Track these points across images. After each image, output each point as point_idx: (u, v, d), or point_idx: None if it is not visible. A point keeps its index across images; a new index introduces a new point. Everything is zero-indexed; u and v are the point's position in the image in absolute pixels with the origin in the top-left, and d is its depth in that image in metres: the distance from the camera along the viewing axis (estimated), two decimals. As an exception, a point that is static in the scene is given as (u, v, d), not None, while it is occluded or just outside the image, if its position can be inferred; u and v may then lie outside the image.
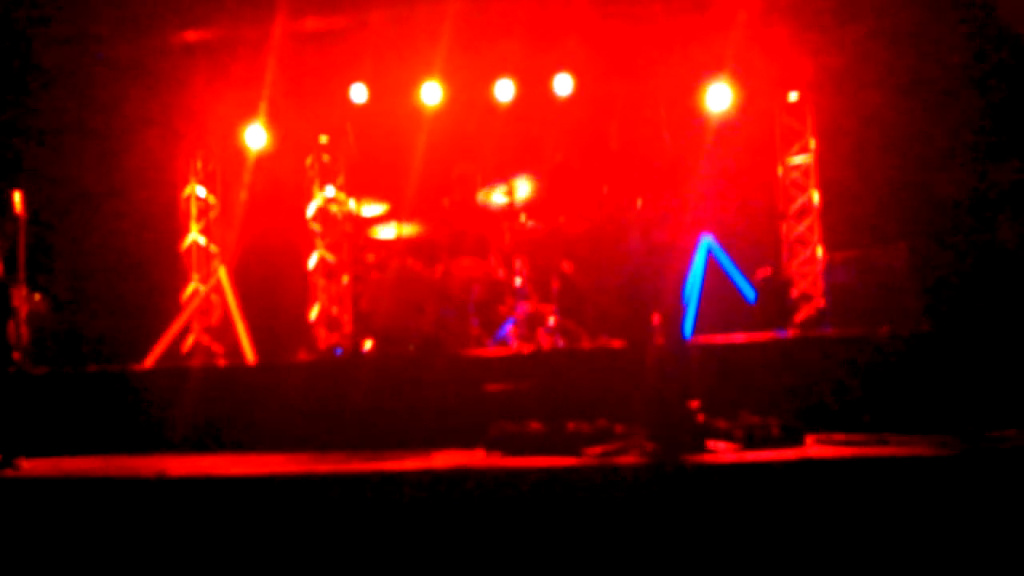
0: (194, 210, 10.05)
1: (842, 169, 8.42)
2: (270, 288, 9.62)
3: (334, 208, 9.27)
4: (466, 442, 5.96)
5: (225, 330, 9.31)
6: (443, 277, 8.03)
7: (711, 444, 5.35)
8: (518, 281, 8.14)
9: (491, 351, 7.62)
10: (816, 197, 8.76)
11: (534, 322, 7.91)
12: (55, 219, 9.08)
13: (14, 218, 7.86)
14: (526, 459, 5.38)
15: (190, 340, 9.46)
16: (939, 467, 4.51)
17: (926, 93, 7.85)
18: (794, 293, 8.41)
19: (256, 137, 9.56)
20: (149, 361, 8.69)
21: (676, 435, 5.29)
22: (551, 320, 7.88)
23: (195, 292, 9.70)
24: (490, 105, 9.09)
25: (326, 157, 10.04)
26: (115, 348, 8.72)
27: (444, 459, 5.61)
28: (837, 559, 4.38)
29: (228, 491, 5.15)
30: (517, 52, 8.77)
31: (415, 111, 9.14)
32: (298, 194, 9.97)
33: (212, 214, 10.15)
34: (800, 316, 8.14)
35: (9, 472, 5.93)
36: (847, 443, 5.34)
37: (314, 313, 9.71)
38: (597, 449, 5.43)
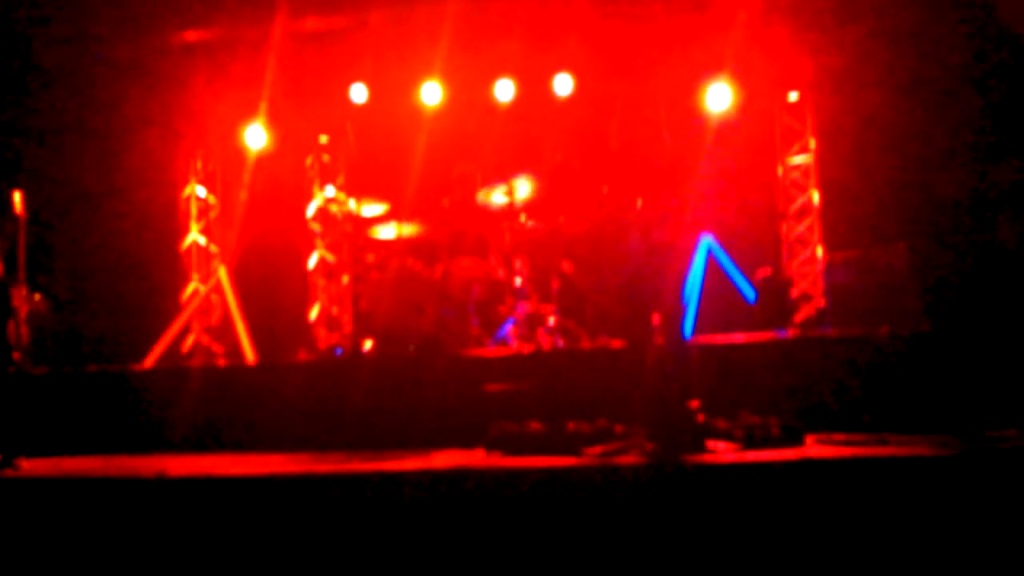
0: (194, 210, 10.05)
1: (842, 169, 8.42)
2: (270, 288, 9.62)
3: (334, 208, 9.27)
4: (466, 442, 5.96)
5: (225, 330, 9.30)
6: (443, 277, 8.03)
7: (711, 444, 5.35)
8: (518, 281, 8.14)
9: (491, 351, 7.62)
10: (816, 197, 8.76)
11: (534, 322, 7.91)
12: (55, 219, 9.08)
13: (14, 218, 7.85)
14: (526, 459, 5.38)
15: (190, 340, 9.45)
16: (939, 467, 4.51)
17: (926, 93, 7.85)
18: (794, 293, 8.41)
19: (256, 137, 9.56)
20: (149, 361, 8.69)
21: (676, 435, 5.29)
22: (551, 320, 7.88)
23: (195, 292, 9.70)
24: (490, 105, 9.09)
25: (326, 157, 10.04)
26: (115, 348, 8.72)
27: (444, 459, 5.61)
28: (837, 559, 4.38)
29: (228, 491, 5.15)
30: (517, 52, 8.77)
31: (415, 111, 9.14)
32: (298, 194, 9.97)
33: (212, 214, 10.15)
34: (800, 316, 8.14)
35: (9, 472, 5.93)
36: (847, 443, 5.34)
37: (314, 313, 9.71)
38: (597, 449, 5.43)
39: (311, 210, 9.92)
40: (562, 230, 8.05)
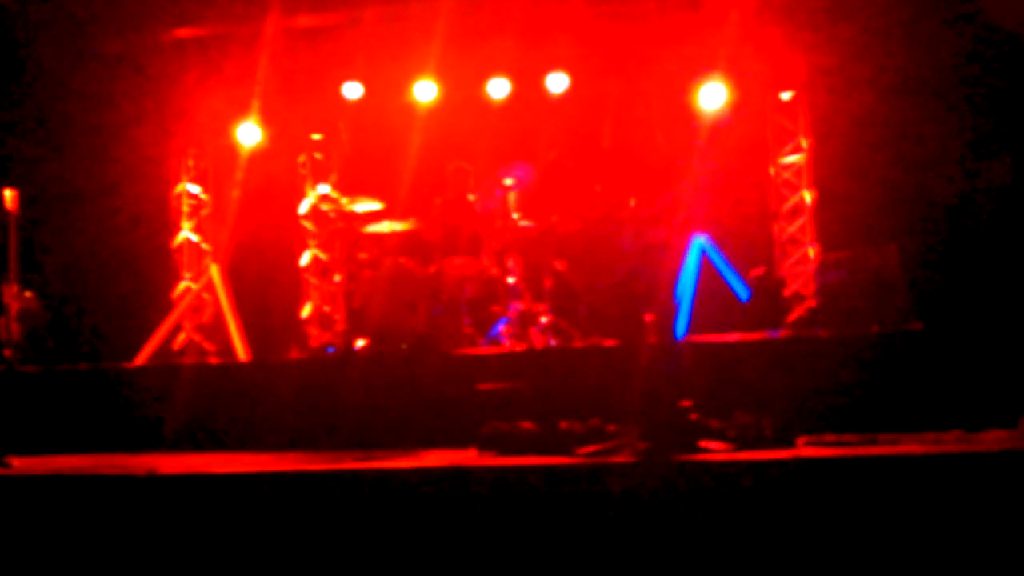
0: (186, 207, 10.02)
1: (834, 169, 8.43)
2: (262, 286, 9.61)
3: (327, 206, 9.25)
4: (458, 441, 5.95)
5: (217, 328, 9.28)
6: (436, 276, 8.02)
7: (703, 444, 5.35)
8: (511, 280, 8.14)
9: (484, 350, 7.62)
10: (808, 197, 8.77)
11: (527, 321, 7.91)
12: (46, 216, 9.05)
13: (5, 215, 7.84)
14: (518, 458, 5.38)
15: (181, 338, 9.43)
16: (930, 466, 4.52)
17: (918, 93, 7.87)
18: (786, 293, 8.42)
19: (249, 134, 9.54)
20: (140, 359, 8.67)
21: (668, 435, 5.29)
22: (544, 319, 7.88)
23: (186, 290, 9.67)
24: (483, 103, 9.08)
25: (319, 155, 10.02)
26: (107, 346, 8.71)
27: (436, 458, 5.60)
28: (829, 559, 4.39)
29: (219, 489, 5.14)
30: (511, 50, 8.76)
31: (408, 109, 9.12)
32: (291, 192, 9.95)
33: (204, 211, 10.12)
34: (792, 316, 8.15)
35: (0, 470, 5.91)
36: (838, 443, 5.35)
37: (306, 311, 9.69)
38: (589, 448, 5.42)
39: (304, 208, 9.90)
40: (555, 229, 8.04)
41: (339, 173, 9.82)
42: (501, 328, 7.91)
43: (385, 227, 8.48)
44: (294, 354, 8.56)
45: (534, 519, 4.71)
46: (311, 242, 9.89)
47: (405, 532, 4.81)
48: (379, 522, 4.86)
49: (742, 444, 5.35)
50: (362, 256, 8.43)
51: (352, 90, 9.20)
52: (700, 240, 8.14)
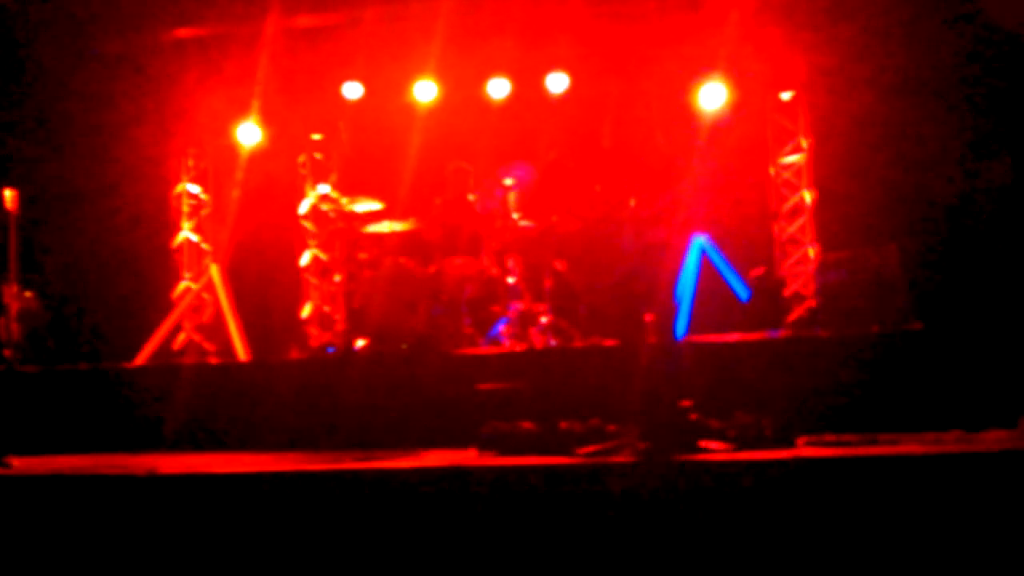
0: (186, 207, 10.01)
1: (835, 169, 8.43)
2: (262, 286, 9.61)
3: (327, 206, 9.25)
4: (458, 441, 5.95)
5: (217, 328, 9.28)
6: (436, 276, 8.02)
7: (703, 444, 5.35)
8: (511, 280, 8.14)
9: (484, 350, 7.62)
10: (808, 197, 8.77)
11: (527, 321, 7.91)
12: (46, 216, 9.05)
13: (5, 215, 7.84)
14: (518, 458, 5.38)
15: (181, 338, 9.43)
16: (930, 467, 4.52)
17: (918, 93, 7.87)
18: (786, 293, 8.42)
19: (249, 134, 9.54)
20: (140, 359, 8.67)
21: (668, 435, 5.29)
22: (544, 319, 7.88)
23: (186, 290, 9.67)
24: (484, 103, 9.08)
25: (319, 155, 10.02)
26: (107, 346, 8.71)
27: (436, 458, 5.60)
28: (829, 559, 4.39)
29: (219, 489, 5.14)
30: (511, 50, 8.76)
31: (408, 109, 9.12)
32: (291, 192, 9.95)
33: (204, 211, 10.12)
34: (792, 316, 8.15)
35: (0, 470, 5.91)
36: (838, 443, 5.35)
37: (306, 311, 9.69)
38: (589, 448, 5.42)
39: (304, 208, 9.90)
40: (555, 229, 8.04)
41: (339, 173, 9.82)
42: (501, 328, 7.91)
43: (385, 227, 8.48)
44: (294, 354, 8.56)
45: (534, 519, 4.71)
46: (311, 242, 9.89)
47: (405, 532, 4.81)
48: (379, 522, 4.86)
49: (742, 444, 5.35)
50: (362, 256, 8.43)
51: (352, 90, 9.20)
52: (700, 240, 8.14)
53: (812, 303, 7.88)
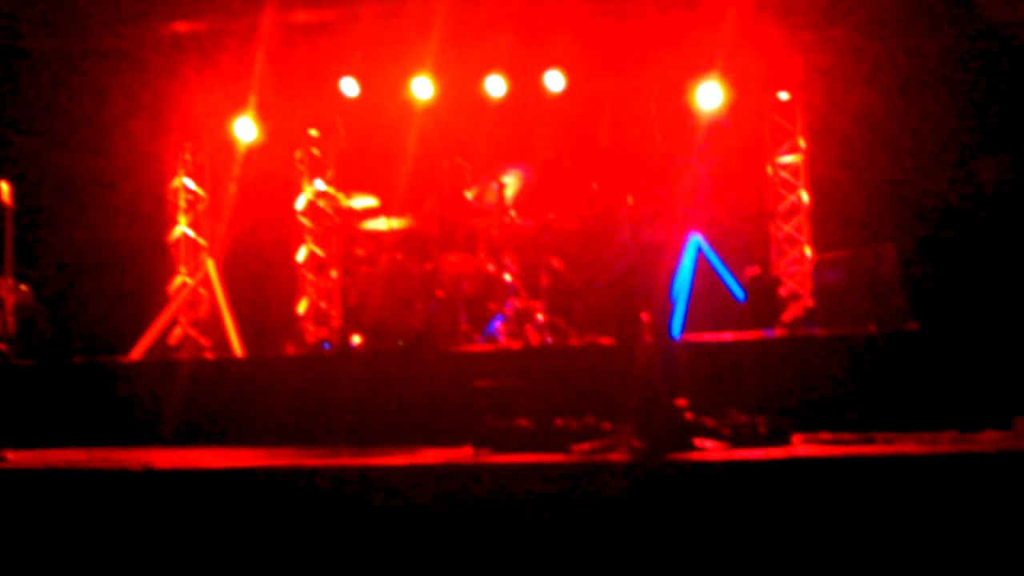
0: (182, 202, 10.01)
1: (831, 168, 8.44)
2: (258, 281, 9.60)
3: (323, 202, 9.24)
4: (454, 438, 5.95)
5: (213, 323, 9.28)
6: (432, 272, 8.02)
7: (698, 442, 5.36)
8: (507, 277, 8.14)
9: (480, 347, 7.62)
10: (805, 196, 8.78)
11: (523, 318, 7.91)
12: (41, 210, 9.03)
13: (1, 208, 7.82)
14: (514, 455, 5.38)
15: (176, 333, 9.42)
16: (926, 466, 4.53)
17: (915, 92, 7.89)
18: (782, 292, 8.43)
19: (245, 130, 9.53)
20: (135, 354, 8.66)
21: (664, 433, 5.30)
22: (540, 316, 7.88)
23: (182, 285, 9.66)
24: (481, 100, 9.08)
25: (315, 150, 10.01)
26: (102, 340, 8.70)
27: (432, 455, 5.60)
28: (823, 558, 4.40)
29: (214, 484, 5.13)
30: (508, 48, 8.76)
31: (405, 106, 9.12)
32: (287, 187, 9.94)
33: (200, 206, 10.11)
34: (788, 315, 8.16)
35: (-5, 464, 5.91)
36: (834, 442, 5.36)
37: (302, 307, 9.68)
38: (585, 446, 5.43)
39: (300, 204, 9.89)
40: (552, 226, 8.04)
41: (336, 169, 9.82)
42: (497, 325, 7.91)
43: (381, 223, 8.48)
44: (290, 350, 8.55)
45: (529, 516, 4.71)
46: (307, 238, 9.88)
47: (400, 528, 4.81)
48: (374, 518, 4.86)
49: (737, 443, 5.35)
50: (358, 252, 8.42)
51: (349, 86, 9.20)
52: (696, 239, 8.14)
53: (808, 302, 7.90)
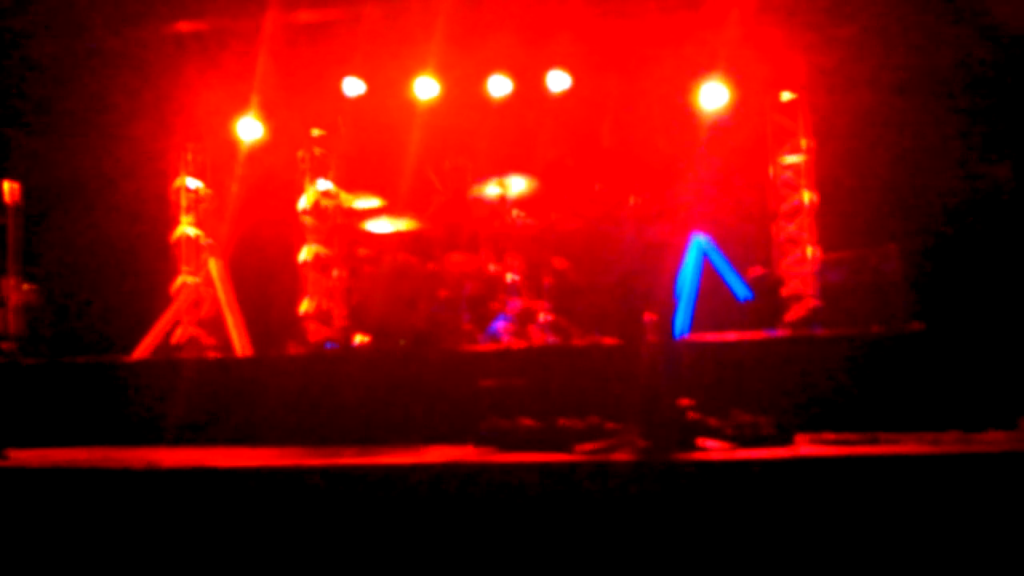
0: (185, 202, 10.00)
1: (834, 169, 8.44)
2: (262, 281, 9.59)
3: (326, 202, 9.23)
4: (458, 437, 5.96)
5: (216, 323, 9.28)
6: (436, 272, 8.02)
7: (702, 442, 5.36)
8: (510, 277, 8.14)
9: (483, 347, 7.62)
10: (808, 197, 8.77)
11: (526, 318, 7.91)
12: (46, 210, 9.04)
13: (4, 208, 7.83)
14: (517, 455, 5.38)
15: (179, 332, 9.42)
16: (930, 466, 4.53)
17: (919, 93, 7.88)
18: (785, 293, 8.42)
19: (248, 129, 9.53)
20: (138, 353, 8.66)
21: (667, 433, 5.30)
22: (543, 316, 7.88)
23: (184, 284, 9.66)
24: (484, 101, 9.08)
25: (318, 150, 10.01)
26: (106, 339, 8.70)
27: (435, 454, 5.61)
28: (827, 558, 4.40)
29: (217, 483, 5.14)
30: (512, 48, 8.76)
31: (408, 106, 9.12)
32: (290, 187, 9.93)
33: (203, 206, 10.10)
34: (791, 316, 8.15)
35: (-2, 463, 5.92)
36: (838, 442, 5.36)
37: (304, 307, 9.68)
38: (588, 446, 5.43)
39: (303, 203, 9.88)
40: (555, 227, 8.05)
41: (339, 169, 9.81)
42: (500, 325, 7.91)
43: (385, 223, 8.48)
44: (293, 350, 8.55)
45: (532, 516, 4.72)
46: (310, 238, 9.88)
47: (403, 527, 4.81)
48: (377, 517, 4.86)
49: (741, 442, 5.36)
50: (362, 252, 8.43)
51: (352, 86, 9.19)
52: (700, 239, 8.15)
53: (812, 303, 7.89)
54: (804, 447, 5.34)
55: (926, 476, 4.46)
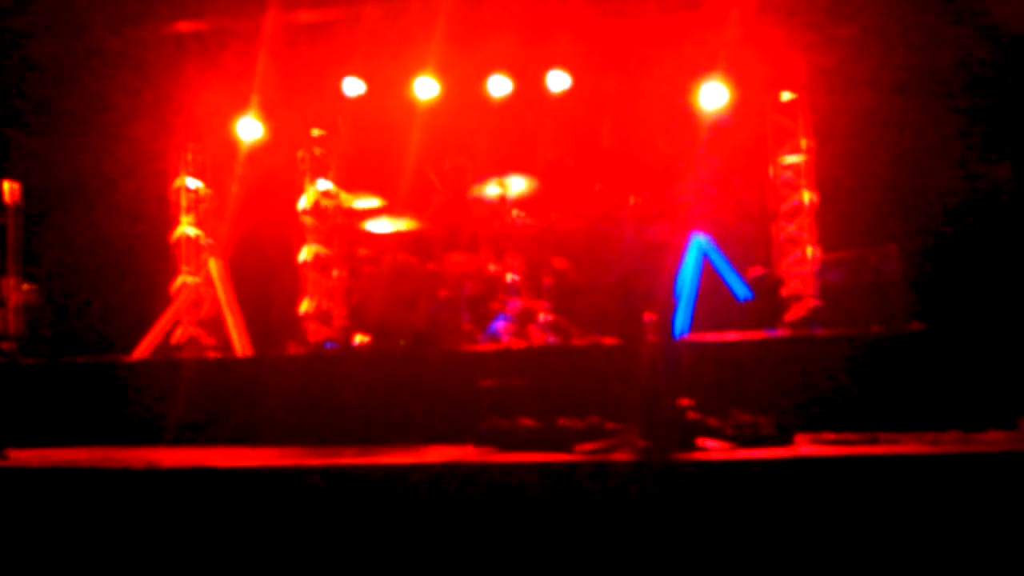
0: (185, 202, 10.00)
1: (834, 169, 8.44)
2: (261, 281, 9.60)
3: (326, 202, 9.23)
4: (458, 437, 5.96)
5: (216, 323, 9.28)
6: (436, 272, 8.03)
7: (702, 442, 5.36)
8: (510, 277, 8.14)
9: (483, 347, 7.62)
10: (808, 197, 8.77)
11: (526, 318, 7.92)
12: (46, 210, 9.05)
13: (4, 208, 7.83)
14: (517, 455, 5.38)
15: (179, 332, 9.42)
16: (930, 466, 4.53)
17: (919, 93, 7.88)
18: (785, 293, 8.42)
19: (248, 129, 9.53)
20: (137, 353, 8.66)
21: (667, 433, 5.30)
22: (543, 316, 7.89)
23: (184, 284, 9.66)
24: (484, 101, 9.08)
25: (318, 150, 10.01)
26: (106, 339, 8.70)
27: (435, 454, 5.61)
28: (828, 558, 4.40)
29: (217, 483, 5.15)
30: (512, 48, 8.76)
31: (408, 106, 9.12)
32: (290, 187, 9.93)
33: (203, 206, 10.10)
34: (791, 316, 8.15)
35: (-2, 463, 5.92)
36: (838, 442, 5.36)
37: (304, 307, 9.68)
38: (588, 446, 5.43)
39: (303, 203, 9.88)
40: (555, 227, 8.05)
41: (339, 169, 9.81)
42: (500, 325, 7.92)
43: (385, 223, 8.48)
44: (293, 350, 8.55)
45: (532, 516, 4.72)
46: (310, 237, 9.87)
47: (403, 527, 4.81)
48: (377, 517, 4.86)
49: (741, 442, 5.36)
50: (362, 252, 8.43)
51: (352, 86, 9.19)
52: (700, 239, 8.15)
53: (812, 303, 7.89)
54: (804, 447, 5.35)
55: (926, 476, 4.46)
